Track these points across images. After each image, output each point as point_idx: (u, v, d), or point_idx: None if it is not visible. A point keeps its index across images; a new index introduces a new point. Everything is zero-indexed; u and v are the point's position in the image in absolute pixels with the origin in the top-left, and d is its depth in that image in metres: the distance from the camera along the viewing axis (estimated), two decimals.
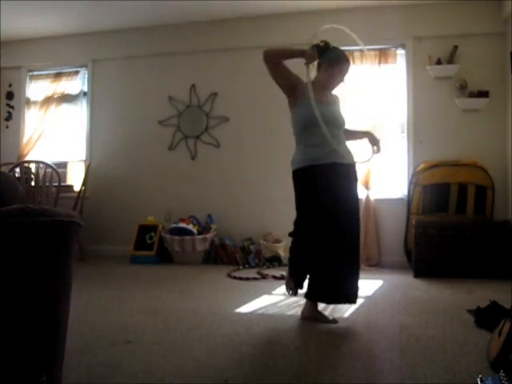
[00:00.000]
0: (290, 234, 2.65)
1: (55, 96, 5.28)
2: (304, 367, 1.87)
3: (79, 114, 5.29)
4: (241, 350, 2.07)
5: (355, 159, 2.61)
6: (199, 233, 4.50)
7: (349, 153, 2.57)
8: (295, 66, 2.55)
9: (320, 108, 2.38)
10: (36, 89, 5.45)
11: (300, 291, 2.65)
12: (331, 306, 2.78)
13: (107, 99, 5.19)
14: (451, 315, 2.59)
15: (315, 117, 2.32)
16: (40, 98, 5.36)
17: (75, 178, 5.20)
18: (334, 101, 2.66)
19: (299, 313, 2.58)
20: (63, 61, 5.30)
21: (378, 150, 2.65)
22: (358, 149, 3.01)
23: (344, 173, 2.51)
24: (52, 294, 1.29)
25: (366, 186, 4.37)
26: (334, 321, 2.50)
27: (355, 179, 2.60)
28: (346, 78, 2.63)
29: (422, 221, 3.92)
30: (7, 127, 5.41)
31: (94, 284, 3.50)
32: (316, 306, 2.55)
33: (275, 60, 2.51)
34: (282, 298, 3.07)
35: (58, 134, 5.32)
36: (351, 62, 2.70)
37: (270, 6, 4.51)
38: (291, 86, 2.55)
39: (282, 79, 2.54)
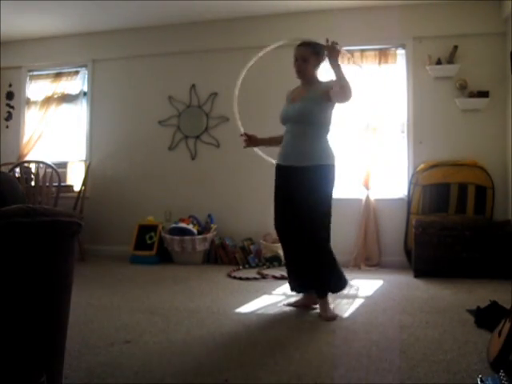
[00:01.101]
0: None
1: (55, 96, 5.28)
2: (304, 367, 1.87)
3: (79, 114, 5.28)
4: (241, 349, 2.07)
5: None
6: (199, 233, 4.50)
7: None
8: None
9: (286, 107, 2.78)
10: (36, 89, 5.45)
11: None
12: (332, 305, 2.79)
13: (107, 99, 5.19)
14: (451, 315, 2.60)
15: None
16: (40, 98, 5.35)
17: (75, 178, 5.19)
18: (308, 95, 2.69)
19: (299, 313, 2.58)
20: (63, 61, 5.30)
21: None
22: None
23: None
24: (52, 293, 1.29)
25: (366, 186, 4.37)
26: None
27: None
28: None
29: (422, 221, 3.92)
30: (7, 127, 5.41)
31: (93, 284, 3.51)
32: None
33: None
34: (282, 297, 3.07)
35: (58, 134, 5.32)
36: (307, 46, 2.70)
37: (270, 6, 4.50)
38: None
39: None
